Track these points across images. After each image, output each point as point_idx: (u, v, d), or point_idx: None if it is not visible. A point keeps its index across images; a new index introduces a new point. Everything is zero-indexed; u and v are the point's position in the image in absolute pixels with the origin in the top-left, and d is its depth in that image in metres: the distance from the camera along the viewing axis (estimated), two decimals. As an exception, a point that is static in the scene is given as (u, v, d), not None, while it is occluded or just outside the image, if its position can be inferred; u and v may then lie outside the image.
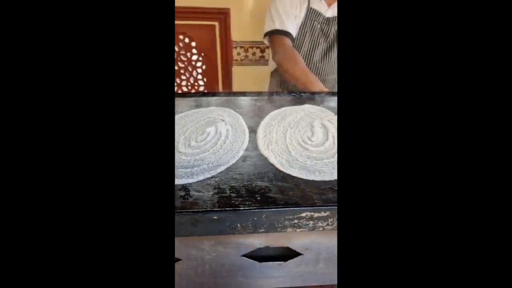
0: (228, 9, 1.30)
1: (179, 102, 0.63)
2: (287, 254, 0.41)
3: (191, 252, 0.38)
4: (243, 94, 0.70)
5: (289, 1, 0.88)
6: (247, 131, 0.51)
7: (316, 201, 0.35)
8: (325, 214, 0.34)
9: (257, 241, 0.38)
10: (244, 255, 0.39)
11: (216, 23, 1.33)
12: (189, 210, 0.33)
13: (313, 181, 0.39)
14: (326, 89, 0.76)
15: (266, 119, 0.56)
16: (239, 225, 0.34)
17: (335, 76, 1.01)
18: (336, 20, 0.92)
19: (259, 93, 0.70)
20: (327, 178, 0.39)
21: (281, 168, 0.41)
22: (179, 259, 0.39)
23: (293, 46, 0.91)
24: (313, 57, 0.95)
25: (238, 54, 1.42)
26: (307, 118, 0.56)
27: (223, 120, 0.55)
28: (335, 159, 0.44)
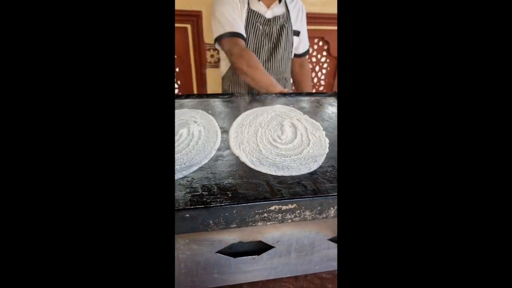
0: (200, 12, 1.30)
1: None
2: (260, 248, 0.42)
3: (166, 252, 0.39)
4: (216, 96, 0.71)
5: (230, 5, 0.90)
6: (219, 131, 0.53)
7: (284, 195, 0.37)
8: (292, 207, 0.36)
9: (231, 237, 0.40)
10: (219, 252, 0.40)
11: (188, 26, 1.33)
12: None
13: (282, 176, 0.41)
14: (286, 90, 0.79)
15: (238, 119, 0.58)
16: (211, 221, 0.35)
17: (284, 75, 1.06)
18: (277, 21, 0.96)
19: (231, 95, 0.72)
20: (294, 174, 0.42)
21: (252, 166, 0.43)
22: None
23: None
24: (260, 57, 0.98)
25: (212, 56, 1.42)
26: (278, 118, 0.59)
27: (195, 122, 0.56)
28: (302, 155, 0.47)
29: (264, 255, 0.43)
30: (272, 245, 0.42)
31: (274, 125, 0.56)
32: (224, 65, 1.06)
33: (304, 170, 0.43)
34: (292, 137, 0.52)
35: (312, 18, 1.29)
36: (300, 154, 0.47)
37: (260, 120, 0.58)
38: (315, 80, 1.66)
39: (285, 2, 0.99)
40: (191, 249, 0.39)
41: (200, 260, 0.41)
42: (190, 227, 0.35)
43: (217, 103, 0.67)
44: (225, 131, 0.54)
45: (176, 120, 0.57)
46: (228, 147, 0.48)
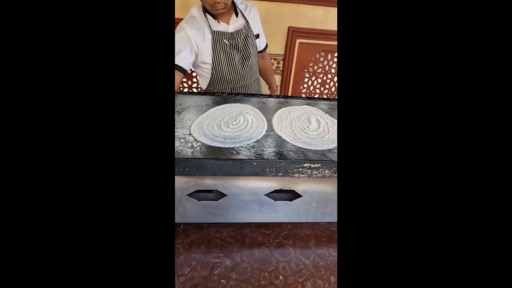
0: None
1: (202, 98, 0.86)
2: (292, 196, 0.64)
3: (239, 185, 0.61)
4: (256, 95, 0.94)
5: (181, 34, 1.00)
6: (265, 120, 0.75)
7: (311, 158, 0.58)
8: (317, 166, 0.58)
9: (276, 184, 0.61)
10: (266, 194, 0.62)
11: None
12: (239, 158, 0.56)
13: (309, 149, 0.63)
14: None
15: (278, 113, 0.80)
16: (267, 169, 0.57)
17: (256, 76, 1.20)
18: (240, 33, 1.07)
19: (269, 96, 0.94)
20: (318, 148, 0.63)
21: (290, 142, 0.65)
22: (225, 195, 0.61)
23: (212, 67, 1.08)
24: (235, 68, 1.11)
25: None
26: (306, 114, 0.81)
27: (247, 112, 0.79)
28: (324, 139, 0.68)
29: (295, 201, 0.64)
30: (301, 194, 0.63)
31: (304, 119, 0.78)
32: (203, 83, 1.18)
33: (325, 147, 0.64)
34: (316, 127, 0.74)
35: (314, 34, 1.49)
36: (323, 138, 0.69)
37: (293, 115, 0.80)
38: (332, 86, 1.88)
39: (241, 12, 1.10)
40: (251, 189, 0.61)
41: (253, 199, 0.63)
42: (254, 171, 0.57)
43: (255, 101, 0.90)
44: (269, 120, 0.76)
45: (232, 110, 0.80)
46: (273, 130, 0.71)
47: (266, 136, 0.68)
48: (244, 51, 1.12)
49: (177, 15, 1.36)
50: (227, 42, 1.07)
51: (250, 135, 0.67)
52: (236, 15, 1.09)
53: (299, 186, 0.62)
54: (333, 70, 1.83)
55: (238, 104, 0.85)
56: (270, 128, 0.71)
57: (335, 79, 1.87)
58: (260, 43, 1.23)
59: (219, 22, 1.05)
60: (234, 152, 0.59)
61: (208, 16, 1.04)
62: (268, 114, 0.79)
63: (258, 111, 0.80)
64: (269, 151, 0.60)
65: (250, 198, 0.62)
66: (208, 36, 1.04)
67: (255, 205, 0.64)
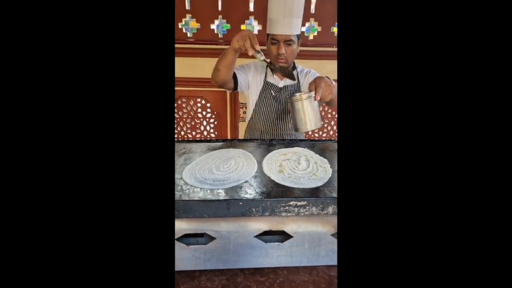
0: (237, 80, 1.69)
1: (199, 145, 0.90)
2: (283, 237, 0.62)
3: (221, 230, 0.60)
4: (251, 140, 0.99)
5: (247, 67, 1.21)
6: (256, 162, 0.78)
7: (298, 196, 0.59)
8: (304, 203, 0.58)
9: (264, 225, 0.61)
10: (256, 236, 0.61)
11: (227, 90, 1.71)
12: (225, 199, 0.57)
13: (297, 188, 0.64)
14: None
15: (268, 155, 0.83)
16: (254, 209, 0.57)
17: (290, 132, 1.30)
18: (287, 89, 1.23)
19: (262, 140, 0.98)
20: (306, 186, 0.64)
21: (278, 182, 0.66)
22: (214, 238, 0.60)
23: (253, 109, 1.24)
24: (270, 117, 1.25)
25: (244, 112, 1.76)
26: (296, 155, 0.83)
27: (239, 156, 0.82)
28: (313, 177, 0.69)
29: (286, 243, 0.62)
30: (291, 234, 0.62)
31: (293, 159, 0.80)
32: (247, 117, 1.37)
33: (312, 185, 0.65)
34: (306, 167, 0.75)
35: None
36: (310, 177, 0.70)
37: (283, 156, 0.82)
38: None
39: (297, 74, 1.26)
40: (240, 231, 0.60)
41: (243, 242, 0.61)
42: (241, 211, 0.57)
43: (249, 145, 0.94)
44: (259, 162, 0.78)
45: (224, 154, 0.83)
46: (262, 171, 0.72)
47: (254, 177, 0.69)
48: (284, 105, 1.25)
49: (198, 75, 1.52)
50: (273, 94, 1.23)
51: (239, 177, 0.69)
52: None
53: (288, 226, 0.61)
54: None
55: (231, 149, 0.89)
56: (260, 170, 0.73)
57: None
58: None
59: (273, 76, 1.22)
60: (221, 193, 0.61)
61: (268, 69, 1.22)
62: (261, 157, 0.82)
63: (250, 154, 0.84)
64: (256, 191, 0.61)
65: (239, 241, 0.61)
66: (262, 83, 1.23)
67: (246, 249, 0.62)
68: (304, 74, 1.30)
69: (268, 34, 1.13)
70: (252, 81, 1.24)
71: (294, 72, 1.25)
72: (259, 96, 1.24)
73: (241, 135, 1.80)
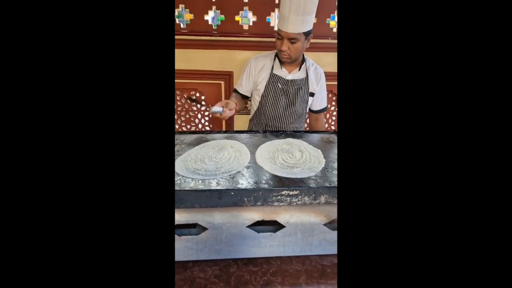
0: (232, 72, 1.67)
1: (192, 136, 0.89)
2: (276, 227, 0.62)
3: (214, 221, 0.60)
4: (243, 132, 0.98)
5: (247, 72, 1.25)
6: (249, 153, 0.77)
7: (290, 185, 0.58)
8: (296, 192, 0.57)
9: (256, 215, 0.60)
10: (248, 226, 0.61)
11: (222, 82, 1.69)
12: (216, 189, 0.56)
13: (289, 178, 0.63)
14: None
15: (262, 146, 0.82)
16: (245, 199, 0.57)
17: (295, 124, 1.31)
18: (295, 83, 1.23)
19: (256, 132, 0.97)
20: (298, 176, 0.64)
21: (271, 171, 0.66)
22: (206, 228, 0.60)
23: (259, 101, 1.25)
24: (276, 110, 1.25)
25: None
26: (288, 146, 0.83)
27: (232, 147, 0.81)
28: (306, 167, 0.69)
29: (279, 233, 0.62)
30: (284, 224, 0.62)
31: (286, 150, 0.80)
32: (252, 110, 1.37)
33: (305, 175, 0.64)
34: (299, 157, 0.75)
35: (327, 76, 1.61)
36: (303, 167, 0.69)
37: (277, 147, 0.82)
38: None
39: (306, 68, 1.25)
40: (232, 221, 0.60)
41: (235, 232, 0.61)
42: (233, 201, 0.57)
43: (244, 137, 0.93)
44: (252, 153, 0.78)
45: (218, 145, 0.82)
46: (255, 162, 0.72)
47: (247, 167, 0.69)
48: (292, 100, 1.25)
49: (213, 67, 1.56)
50: (280, 87, 1.22)
51: (231, 167, 0.68)
52: (299, 69, 1.24)
53: (281, 216, 0.61)
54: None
55: (225, 140, 0.88)
56: (253, 161, 0.73)
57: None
58: (316, 103, 1.33)
59: (281, 68, 1.22)
60: (213, 183, 0.60)
61: (277, 60, 1.22)
62: (255, 148, 0.81)
63: (243, 145, 0.83)
64: (248, 181, 0.61)
65: (232, 231, 0.61)
66: (267, 76, 1.23)
67: (238, 239, 0.62)
68: (313, 69, 1.28)
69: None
70: (258, 77, 1.23)
71: (303, 66, 1.24)
72: (265, 89, 1.23)
73: (239, 128, 1.79)
